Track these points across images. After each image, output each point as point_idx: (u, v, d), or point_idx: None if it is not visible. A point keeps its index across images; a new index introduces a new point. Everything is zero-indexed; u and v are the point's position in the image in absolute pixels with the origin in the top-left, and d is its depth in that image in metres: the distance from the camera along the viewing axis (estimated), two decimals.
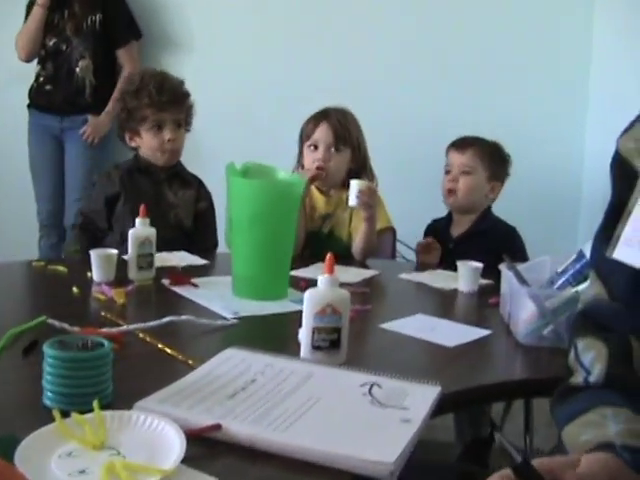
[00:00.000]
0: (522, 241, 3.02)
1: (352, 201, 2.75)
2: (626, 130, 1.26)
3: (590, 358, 1.24)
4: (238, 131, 4.41)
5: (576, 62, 4.15)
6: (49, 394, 1.27)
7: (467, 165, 3.06)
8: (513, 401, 3.16)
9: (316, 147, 2.97)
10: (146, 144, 2.96)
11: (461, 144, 3.13)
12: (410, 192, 4.18)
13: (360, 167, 3.05)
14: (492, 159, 3.09)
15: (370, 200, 2.76)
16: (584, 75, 4.13)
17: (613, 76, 3.90)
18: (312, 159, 2.97)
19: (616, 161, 1.27)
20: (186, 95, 3.02)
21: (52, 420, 1.16)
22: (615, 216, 1.22)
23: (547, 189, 4.06)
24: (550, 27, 4.14)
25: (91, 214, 2.92)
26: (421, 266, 2.87)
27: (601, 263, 1.27)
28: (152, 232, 2.36)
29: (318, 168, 2.94)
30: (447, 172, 3.13)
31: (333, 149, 2.96)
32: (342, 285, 1.90)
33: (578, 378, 1.25)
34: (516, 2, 4.18)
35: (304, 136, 3.03)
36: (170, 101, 2.91)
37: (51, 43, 4.34)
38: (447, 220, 3.19)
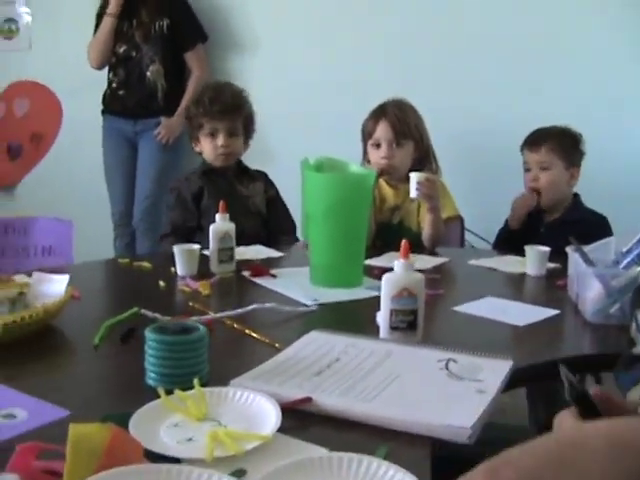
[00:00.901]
0: (612, 230, 3.05)
1: (412, 193, 2.82)
2: None
3: None
4: (303, 129, 4.48)
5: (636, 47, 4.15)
6: (152, 375, 1.39)
7: (544, 161, 3.13)
8: (585, 378, 3.21)
9: (378, 145, 3.06)
10: (204, 149, 3.17)
11: (534, 142, 3.18)
12: (477, 181, 4.23)
13: (424, 156, 3.13)
14: (565, 147, 3.14)
15: (430, 191, 2.82)
16: None
17: None
18: (377, 157, 3.06)
19: None
20: (239, 106, 3.17)
21: (156, 398, 1.27)
22: None
23: (616, 172, 4.06)
24: (611, 12, 4.14)
25: (182, 219, 3.05)
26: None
27: None
28: (231, 227, 2.47)
29: (382, 167, 3.03)
30: (526, 170, 3.20)
31: (395, 145, 3.04)
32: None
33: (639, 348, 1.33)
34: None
35: (366, 134, 3.12)
36: (221, 111, 3.09)
37: (121, 50, 4.48)
38: (538, 203, 3.23)
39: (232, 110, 3.12)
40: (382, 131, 3.05)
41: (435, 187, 2.86)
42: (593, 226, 3.01)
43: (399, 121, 3.06)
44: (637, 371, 1.29)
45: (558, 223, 3.12)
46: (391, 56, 4.41)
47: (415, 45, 4.38)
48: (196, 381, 1.31)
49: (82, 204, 4.86)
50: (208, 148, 3.14)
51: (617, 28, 4.12)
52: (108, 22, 4.46)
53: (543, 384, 2.66)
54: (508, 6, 4.24)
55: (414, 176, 2.81)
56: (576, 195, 3.22)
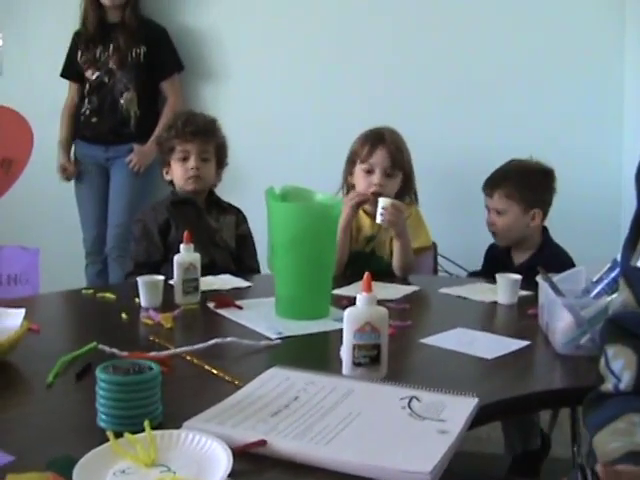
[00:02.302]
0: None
1: (377, 218, 2.80)
2: None
3: (620, 365, 1.27)
4: (274, 157, 4.46)
5: (609, 70, 4.15)
6: (103, 416, 1.34)
7: (497, 207, 3.09)
8: (559, 411, 3.18)
9: (370, 171, 2.98)
10: (175, 174, 3.10)
11: (489, 186, 3.15)
12: (452, 205, 4.21)
13: (407, 188, 3.08)
14: (523, 191, 3.07)
15: (394, 217, 2.78)
16: (618, 84, 4.14)
17: None
18: (367, 183, 2.97)
19: None
20: (212, 130, 3.15)
21: (106, 441, 1.22)
22: None
23: (587, 201, 4.06)
24: (581, 36, 4.14)
25: (147, 254, 2.97)
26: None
27: (629, 271, 1.30)
28: (196, 257, 2.42)
29: (374, 193, 2.94)
30: (488, 211, 3.17)
31: (388, 173, 2.98)
32: (383, 302, 1.96)
33: (608, 385, 1.29)
34: (546, 16, 4.19)
35: (357, 158, 3.02)
36: (194, 132, 3.05)
37: (94, 77, 4.43)
38: (507, 247, 3.20)
39: (204, 133, 3.09)
40: (379, 158, 2.97)
41: (400, 214, 2.82)
42: (559, 269, 2.97)
43: (397, 151, 3.00)
44: (606, 410, 1.25)
45: (526, 267, 3.05)
46: (363, 88, 4.40)
47: (388, 77, 4.39)
48: (147, 423, 1.26)
49: (53, 231, 4.79)
50: (179, 172, 3.07)
51: (590, 58, 4.13)
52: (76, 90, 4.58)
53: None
54: (486, 39, 4.25)
55: (380, 201, 2.79)
56: (545, 231, 3.17)
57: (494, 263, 3.18)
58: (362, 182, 2.99)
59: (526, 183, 3.10)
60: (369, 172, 2.98)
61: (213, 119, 3.19)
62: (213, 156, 3.14)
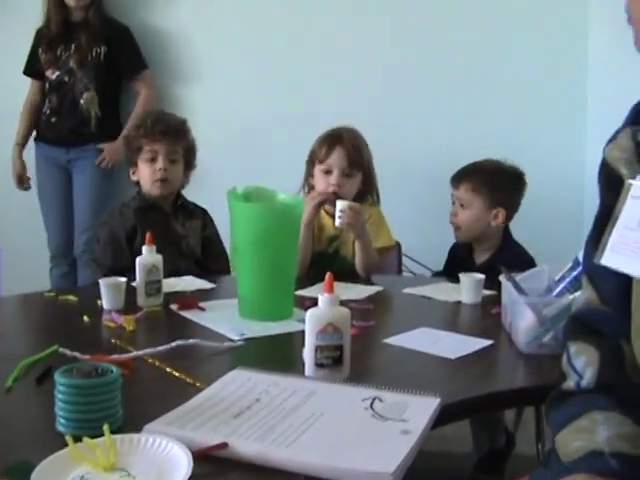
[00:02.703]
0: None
1: (336, 222, 2.80)
2: (611, 140, 1.29)
3: (582, 362, 1.27)
4: (244, 157, 4.45)
5: (573, 71, 4.18)
6: (62, 420, 1.32)
7: (462, 199, 3.07)
8: (524, 409, 3.19)
9: (329, 172, 2.97)
10: (142, 175, 3.03)
11: (456, 177, 3.13)
12: (416, 205, 4.22)
13: (368, 188, 3.07)
14: (490, 188, 3.06)
15: (352, 220, 2.79)
16: (582, 85, 4.17)
17: (611, 85, 3.93)
18: (326, 183, 2.95)
19: (603, 169, 1.30)
20: (182, 131, 3.09)
21: (66, 445, 1.20)
22: (603, 223, 1.25)
23: (549, 200, 4.08)
24: (545, 37, 4.17)
25: (113, 261, 2.91)
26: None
27: (592, 269, 1.29)
28: (159, 259, 2.40)
29: (333, 193, 2.93)
30: (453, 203, 3.17)
31: (346, 174, 2.97)
32: (346, 302, 1.96)
33: (570, 382, 1.29)
34: (510, 13, 4.22)
35: (316, 159, 3.01)
36: (162, 132, 2.99)
37: (54, 76, 4.38)
38: (469, 246, 3.19)
39: (174, 133, 3.04)
40: (336, 158, 2.96)
41: (358, 216, 2.81)
42: (520, 269, 2.98)
43: (355, 150, 2.99)
44: (568, 409, 1.25)
45: (486, 266, 3.06)
46: (331, 89, 4.41)
47: (355, 77, 4.39)
48: (106, 427, 1.24)
49: (18, 233, 4.75)
50: (146, 173, 3.00)
51: (554, 54, 4.16)
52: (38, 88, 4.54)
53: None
54: (450, 38, 4.27)
55: (338, 204, 2.79)
56: (506, 231, 3.16)
57: (456, 262, 3.19)
58: (321, 182, 2.98)
59: (495, 181, 3.09)
60: (327, 172, 2.97)
61: (183, 120, 3.14)
62: (181, 157, 3.08)
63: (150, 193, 3.03)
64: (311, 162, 3.07)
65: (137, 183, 3.10)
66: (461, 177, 3.10)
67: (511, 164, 3.14)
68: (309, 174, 3.09)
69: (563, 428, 1.21)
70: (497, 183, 3.09)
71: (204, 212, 3.19)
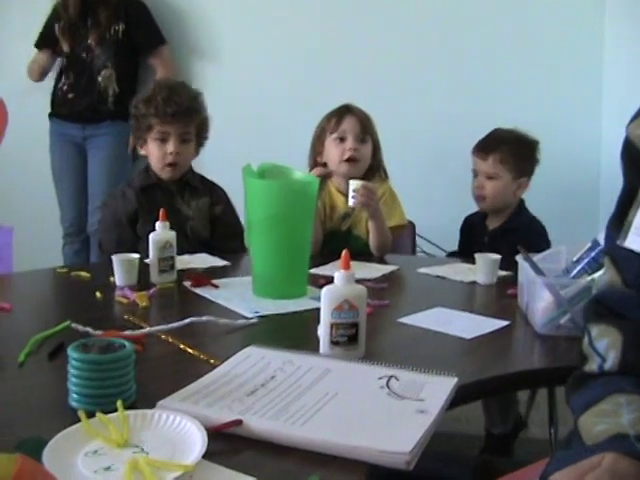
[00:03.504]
0: (548, 241, 3.01)
1: (350, 201, 2.77)
2: (635, 117, 1.26)
3: (605, 345, 1.25)
4: (260, 135, 4.44)
5: (589, 52, 4.16)
6: (74, 396, 1.31)
7: (491, 172, 3.06)
8: (537, 391, 3.18)
9: (342, 139, 2.95)
10: (151, 154, 2.95)
11: (483, 149, 3.11)
12: (431, 186, 4.21)
13: (377, 164, 3.06)
14: (516, 158, 3.07)
15: (366, 199, 2.76)
16: (597, 64, 4.14)
17: (626, 64, 3.90)
18: (340, 150, 2.94)
19: (626, 148, 1.27)
20: (195, 110, 2.97)
21: (78, 421, 1.19)
22: (627, 203, 1.23)
23: (566, 181, 4.06)
24: (561, 18, 4.15)
25: (117, 243, 2.84)
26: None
27: (615, 250, 1.27)
28: (172, 235, 2.38)
29: (350, 159, 2.93)
30: (475, 175, 3.14)
31: (360, 140, 2.96)
32: (361, 281, 1.94)
33: (592, 365, 1.27)
34: None
35: (326, 131, 3.00)
36: (175, 114, 2.88)
37: (72, 53, 4.38)
38: (483, 214, 3.20)
39: (186, 114, 2.92)
40: (349, 124, 2.96)
41: (372, 195, 2.79)
42: (530, 235, 2.98)
43: (366, 119, 3.00)
44: (591, 391, 1.22)
45: (499, 232, 3.08)
46: (348, 71, 4.41)
47: (369, 59, 4.41)
48: (119, 403, 1.23)
49: (31, 210, 4.74)
50: (156, 155, 2.93)
51: (573, 31, 4.13)
52: (48, 56, 4.50)
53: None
54: (469, 15, 4.25)
55: (351, 184, 2.76)
56: (521, 201, 3.17)
57: (469, 232, 3.23)
58: (335, 151, 2.97)
59: (520, 151, 3.11)
60: (342, 140, 2.96)
61: (196, 95, 3.01)
62: (194, 136, 3.00)
63: (159, 174, 2.97)
64: (319, 139, 3.05)
65: (146, 157, 3.03)
66: (488, 149, 3.10)
67: (525, 132, 3.16)
68: (317, 153, 3.06)
69: (585, 411, 1.19)
70: (522, 153, 3.12)
71: (213, 189, 3.10)
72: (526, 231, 3.01)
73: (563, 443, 1.29)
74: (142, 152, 3.03)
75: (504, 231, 3.06)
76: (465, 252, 3.04)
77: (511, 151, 3.07)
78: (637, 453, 1.06)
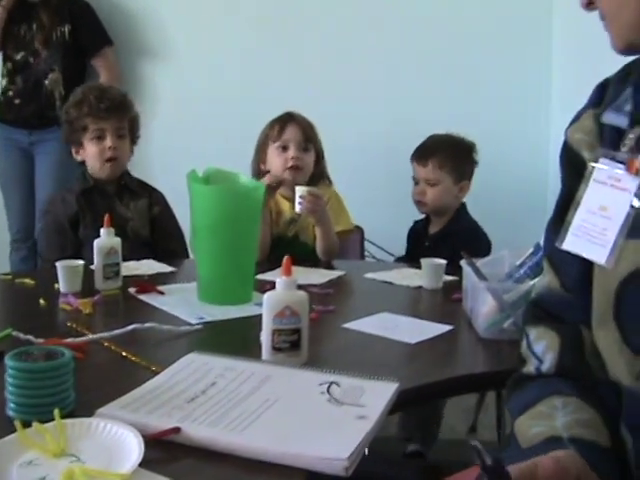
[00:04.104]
0: (488, 245, 3.05)
1: (297, 208, 2.78)
2: (573, 121, 1.27)
3: (542, 347, 1.26)
4: (207, 138, 4.41)
5: (537, 54, 4.20)
6: (12, 405, 1.29)
7: (432, 177, 3.10)
8: (485, 395, 3.20)
9: (285, 147, 2.96)
10: (89, 155, 2.95)
11: (422, 156, 3.15)
12: (381, 191, 4.21)
13: (321, 171, 3.07)
14: (455, 162, 3.11)
15: (313, 205, 2.76)
16: (546, 67, 4.19)
17: (574, 66, 3.95)
18: (283, 159, 2.95)
19: (565, 151, 1.29)
20: (127, 105, 3.02)
21: (15, 430, 1.18)
22: (565, 206, 1.24)
23: (514, 185, 4.10)
24: (510, 21, 4.19)
25: (59, 251, 2.79)
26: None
27: (554, 253, 1.28)
28: (117, 241, 2.36)
29: (293, 167, 2.93)
30: (416, 183, 3.17)
31: (302, 148, 2.97)
32: (307, 287, 1.94)
33: (530, 367, 1.27)
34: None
35: (269, 140, 3.00)
36: (109, 109, 2.91)
37: (19, 57, 4.31)
38: (426, 220, 3.24)
39: (120, 109, 2.96)
40: (292, 133, 2.97)
41: (319, 201, 2.80)
42: (470, 239, 3.01)
43: (308, 126, 3.01)
44: (527, 394, 1.23)
45: (440, 236, 3.11)
46: (299, 70, 4.40)
47: (316, 60, 4.40)
48: (56, 412, 1.22)
49: None
50: (94, 153, 2.93)
51: (521, 33, 4.17)
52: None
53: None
54: (412, 13, 4.27)
55: (298, 190, 2.77)
56: (462, 205, 3.20)
57: (414, 237, 3.27)
58: (278, 160, 2.97)
59: (457, 155, 3.15)
60: (284, 149, 2.96)
61: (124, 93, 3.07)
62: (127, 132, 3.02)
63: (98, 174, 2.96)
64: (262, 147, 3.05)
65: (82, 163, 3.02)
66: (426, 155, 3.13)
67: (460, 135, 3.20)
68: (260, 160, 3.06)
69: (522, 413, 1.20)
70: (460, 156, 3.16)
71: (151, 191, 3.11)
72: (466, 235, 3.04)
73: (502, 446, 1.30)
74: (78, 157, 3.02)
75: (444, 235, 3.09)
76: (411, 257, 3.07)
77: (449, 155, 3.11)
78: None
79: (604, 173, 1.16)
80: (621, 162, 1.13)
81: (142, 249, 2.87)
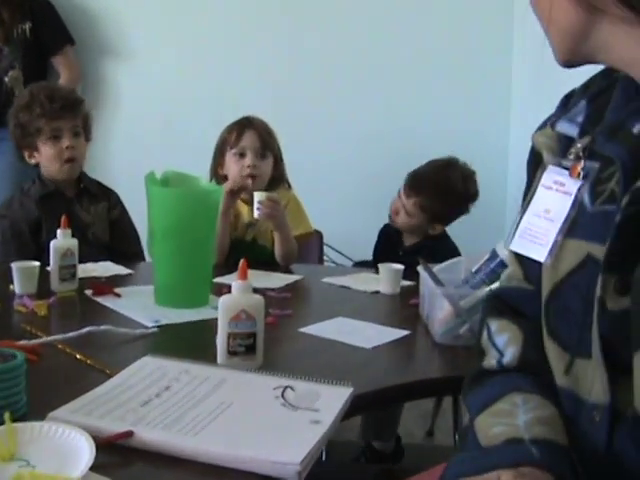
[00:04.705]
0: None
1: (255, 213, 2.77)
2: (539, 128, 1.29)
3: (504, 340, 1.26)
4: (167, 140, 4.40)
5: (497, 61, 4.25)
6: None
7: (409, 210, 3.13)
8: (443, 400, 3.22)
9: (242, 154, 2.94)
10: (45, 157, 2.89)
11: (411, 186, 3.16)
12: (341, 195, 4.22)
13: (280, 176, 3.07)
14: (438, 208, 3.12)
15: (271, 210, 2.75)
16: (506, 73, 4.23)
17: (533, 73, 3.98)
18: (240, 167, 2.93)
19: (532, 156, 1.30)
20: (80, 101, 2.97)
21: None
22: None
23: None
24: (471, 30, 4.22)
25: (18, 256, 2.63)
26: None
27: None
28: (74, 243, 2.34)
29: (250, 175, 2.91)
30: (399, 195, 3.18)
31: (260, 155, 2.95)
32: (264, 290, 1.94)
33: (491, 360, 1.27)
34: (438, 6, 4.25)
35: (227, 145, 2.99)
36: (63, 108, 2.85)
37: None
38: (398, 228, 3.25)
39: (73, 106, 2.90)
40: (249, 140, 2.95)
41: (277, 206, 2.79)
42: (444, 253, 3.01)
43: (266, 133, 2.99)
44: (487, 390, 1.24)
45: (415, 248, 3.12)
46: (261, 73, 4.40)
47: (283, 66, 4.41)
48: (7, 415, 1.20)
49: None
50: (50, 154, 2.87)
51: (481, 41, 4.19)
52: None
53: None
54: (377, 27, 4.30)
55: (256, 195, 2.76)
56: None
57: (386, 240, 3.28)
58: (235, 167, 2.95)
59: (444, 201, 3.13)
60: (241, 156, 2.95)
61: (72, 90, 3.02)
62: (82, 130, 2.95)
63: (56, 177, 2.91)
64: (220, 152, 3.04)
65: (36, 165, 2.96)
66: (415, 188, 3.14)
67: (467, 171, 3.20)
68: (217, 165, 3.05)
69: (483, 410, 1.20)
70: (446, 203, 3.14)
71: (109, 192, 3.08)
72: (439, 249, 3.04)
73: (459, 442, 1.30)
74: (32, 161, 2.96)
75: (419, 248, 3.09)
76: (380, 259, 3.07)
77: (434, 200, 3.10)
78: (533, 458, 1.08)
79: (550, 178, 1.18)
80: (567, 168, 1.16)
81: (102, 252, 2.85)
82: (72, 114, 2.89)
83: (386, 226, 3.31)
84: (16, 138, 2.96)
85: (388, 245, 3.24)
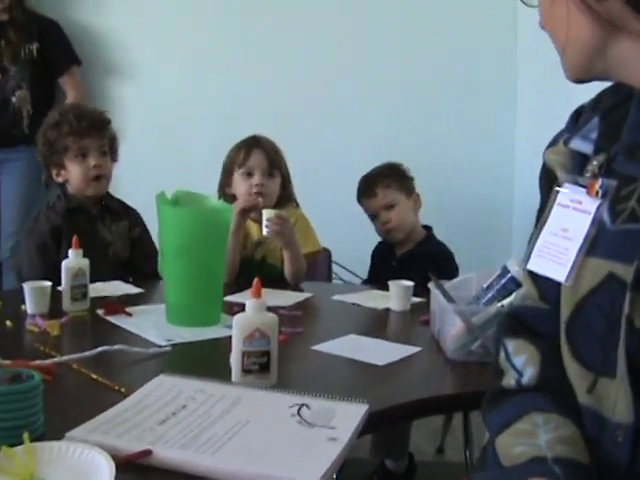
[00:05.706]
0: (456, 267, 3.08)
1: (264, 231, 2.78)
2: (550, 145, 1.29)
3: (522, 360, 1.26)
4: (175, 158, 4.42)
5: (503, 75, 4.27)
6: None
7: (387, 201, 3.17)
8: (453, 416, 3.21)
9: (250, 174, 2.96)
10: (72, 175, 2.91)
11: (367, 189, 3.24)
12: (348, 213, 4.22)
13: (287, 194, 3.07)
14: (397, 180, 3.21)
15: (281, 228, 2.76)
16: (512, 89, 4.24)
17: (540, 90, 3.99)
18: (247, 186, 2.94)
19: (544, 172, 1.30)
20: (107, 122, 3.00)
21: None
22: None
23: (480, 206, 4.13)
24: (476, 34, 4.24)
25: (45, 273, 2.67)
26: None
27: None
28: (85, 263, 2.35)
29: (257, 194, 2.92)
30: (373, 218, 3.22)
31: (267, 174, 2.96)
32: (275, 309, 1.94)
33: (510, 380, 1.27)
34: (443, 8, 4.27)
35: (234, 164, 3.00)
36: (91, 127, 2.89)
37: None
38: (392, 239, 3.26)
39: (101, 126, 2.94)
40: (256, 159, 2.96)
41: (286, 224, 2.80)
42: (439, 261, 3.04)
43: (274, 152, 3.00)
44: (507, 410, 1.23)
45: (408, 257, 3.13)
46: (267, 91, 4.42)
47: (289, 84, 4.43)
48: (26, 436, 1.21)
49: None
50: (78, 173, 2.89)
51: (487, 55, 4.20)
52: None
53: None
54: (378, 41, 4.31)
55: (265, 213, 2.76)
56: (429, 229, 3.25)
57: (378, 259, 3.30)
58: (243, 186, 2.96)
59: (394, 174, 3.24)
60: (249, 175, 2.96)
61: (102, 110, 3.04)
62: (109, 150, 2.99)
63: (83, 193, 2.93)
64: (228, 171, 3.05)
65: (61, 185, 2.98)
66: (371, 186, 3.23)
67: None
68: (225, 185, 3.06)
69: (503, 430, 1.20)
70: (398, 175, 3.25)
71: (131, 212, 3.10)
72: (434, 257, 3.06)
73: (478, 461, 1.30)
74: (59, 179, 2.97)
75: (413, 257, 3.11)
76: (374, 279, 3.09)
77: (389, 177, 3.21)
78: (556, 477, 1.08)
79: (567, 197, 1.18)
80: (584, 186, 1.16)
81: (121, 270, 2.88)
82: (99, 133, 2.93)
83: (376, 247, 3.35)
84: (44, 156, 2.98)
85: (380, 262, 3.25)
